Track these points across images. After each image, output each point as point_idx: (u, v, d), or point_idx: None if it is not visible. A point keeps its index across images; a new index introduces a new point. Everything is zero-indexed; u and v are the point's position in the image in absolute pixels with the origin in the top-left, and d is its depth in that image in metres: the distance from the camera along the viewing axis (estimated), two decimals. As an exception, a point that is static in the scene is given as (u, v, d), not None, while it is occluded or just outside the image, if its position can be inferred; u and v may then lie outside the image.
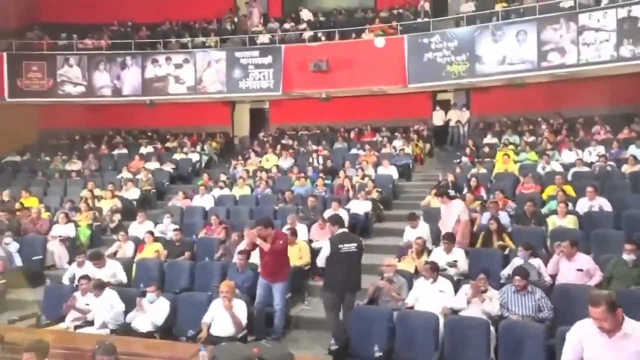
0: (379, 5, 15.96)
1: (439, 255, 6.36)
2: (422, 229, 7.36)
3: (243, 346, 4.04)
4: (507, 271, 5.89)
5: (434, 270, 5.48)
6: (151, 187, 11.64)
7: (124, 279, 6.85)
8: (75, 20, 15.78)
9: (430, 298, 5.33)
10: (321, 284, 5.85)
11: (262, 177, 10.99)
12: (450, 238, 6.42)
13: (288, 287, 6.09)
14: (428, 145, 14.09)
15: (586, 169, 9.78)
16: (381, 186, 10.21)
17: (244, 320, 5.36)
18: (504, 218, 7.56)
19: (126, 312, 5.73)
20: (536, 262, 5.92)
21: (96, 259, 6.68)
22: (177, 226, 8.44)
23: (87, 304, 5.72)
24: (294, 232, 7.26)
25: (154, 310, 5.63)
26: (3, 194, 10.95)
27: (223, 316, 5.29)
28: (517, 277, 5.04)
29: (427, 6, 14.67)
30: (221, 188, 10.80)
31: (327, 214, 7.63)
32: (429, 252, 6.74)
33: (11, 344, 4.21)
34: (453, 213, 6.94)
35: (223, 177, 11.39)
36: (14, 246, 8.32)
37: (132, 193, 11.07)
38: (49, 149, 15.22)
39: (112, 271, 6.74)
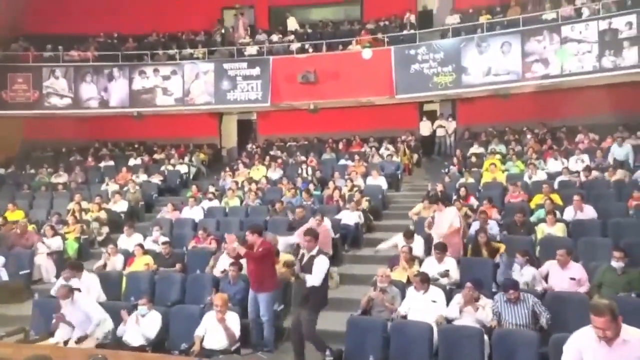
0: (365, 17, 16.13)
1: (431, 265, 6.39)
2: (417, 244, 7.27)
3: (240, 358, 4.02)
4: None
5: (424, 281, 5.47)
6: (139, 199, 11.55)
7: (97, 296, 6.45)
8: (61, 31, 15.66)
9: (423, 308, 5.33)
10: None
11: (251, 188, 10.98)
12: (442, 248, 6.44)
13: (275, 297, 5.99)
14: (416, 156, 14.21)
15: (572, 178, 9.93)
16: (370, 196, 10.25)
17: (237, 333, 5.32)
18: (494, 227, 7.64)
19: (116, 326, 5.67)
20: (531, 270, 5.92)
21: (74, 268, 6.46)
22: (167, 238, 8.37)
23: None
24: (277, 253, 7.04)
25: (145, 324, 5.57)
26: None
27: (216, 329, 5.25)
28: (511, 291, 5.05)
29: (412, 18, 14.91)
30: (210, 200, 10.77)
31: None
32: (420, 261, 6.78)
33: (1, 360, 4.14)
34: (447, 220, 6.97)
35: (212, 189, 11.35)
36: (-1, 260, 8.19)
37: (120, 205, 10.97)
38: (34, 161, 15.04)
39: (87, 285, 6.51)
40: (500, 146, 12.82)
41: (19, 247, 8.85)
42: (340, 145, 14.61)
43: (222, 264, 7.14)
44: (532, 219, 8.04)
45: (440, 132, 14.79)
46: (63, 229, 9.56)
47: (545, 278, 5.93)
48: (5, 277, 8.05)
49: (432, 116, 15.42)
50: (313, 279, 5.11)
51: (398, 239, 7.27)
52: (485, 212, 7.77)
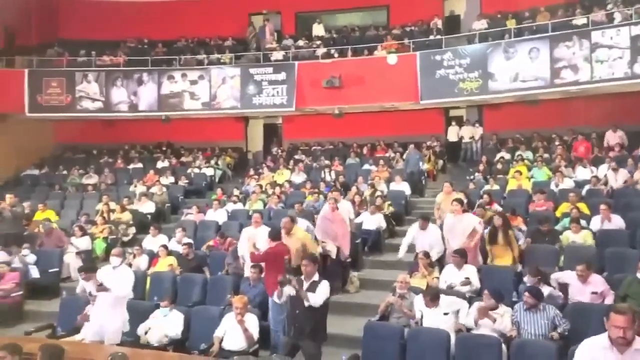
0: (391, 22, 16.11)
1: (451, 273, 6.32)
2: (432, 234, 7.22)
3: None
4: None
5: (435, 299, 5.30)
6: (165, 201, 11.79)
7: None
8: (94, 37, 16.16)
9: (434, 323, 5.17)
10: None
11: (275, 191, 11.07)
12: (462, 253, 6.35)
13: (280, 305, 5.63)
14: (441, 162, 14.11)
15: (600, 186, 9.70)
16: (393, 202, 10.23)
17: (255, 335, 5.38)
18: (517, 234, 7.48)
19: (137, 325, 5.80)
20: (547, 290, 5.52)
21: (87, 272, 6.20)
22: (190, 240, 8.50)
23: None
24: (292, 219, 6.93)
25: (167, 323, 5.70)
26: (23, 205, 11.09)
27: (235, 330, 5.33)
28: (526, 293, 4.97)
29: (439, 23, 14.82)
30: (234, 203, 10.91)
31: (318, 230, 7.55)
32: (441, 267, 6.72)
33: (29, 355, 4.28)
34: (465, 226, 6.84)
35: (236, 192, 11.49)
36: (31, 258, 8.47)
37: (147, 207, 11.21)
38: (66, 162, 15.51)
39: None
40: (528, 153, 12.62)
41: (47, 246, 9.12)
42: (365, 150, 14.62)
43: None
44: (558, 227, 7.89)
45: (467, 138, 14.65)
46: (91, 229, 9.83)
47: (566, 285, 5.80)
48: (36, 275, 8.32)
49: (458, 122, 15.29)
50: (316, 298, 4.87)
51: (412, 231, 7.38)
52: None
